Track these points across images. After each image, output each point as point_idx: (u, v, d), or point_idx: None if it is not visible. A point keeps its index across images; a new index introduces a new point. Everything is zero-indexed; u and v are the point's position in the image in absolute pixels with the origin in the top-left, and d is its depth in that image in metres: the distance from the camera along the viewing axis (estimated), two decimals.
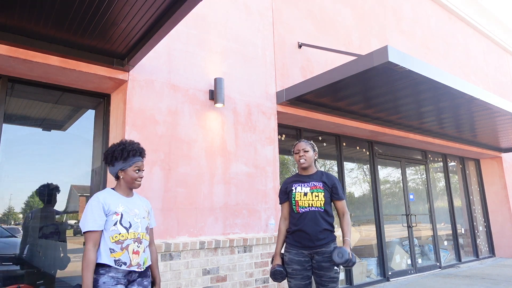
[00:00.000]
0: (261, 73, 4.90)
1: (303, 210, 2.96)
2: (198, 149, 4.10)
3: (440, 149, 8.25)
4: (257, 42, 4.96)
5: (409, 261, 7.05)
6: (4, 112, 3.50)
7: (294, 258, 2.93)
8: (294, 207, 3.00)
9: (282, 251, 3.11)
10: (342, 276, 5.74)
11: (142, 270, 2.35)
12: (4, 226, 3.50)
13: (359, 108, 5.44)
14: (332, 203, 3.09)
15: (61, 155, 3.79)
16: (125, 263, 2.25)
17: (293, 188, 3.04)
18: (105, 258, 2.23)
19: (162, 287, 3.50)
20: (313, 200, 2.96)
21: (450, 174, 8.89)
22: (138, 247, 2.33)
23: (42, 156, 3.68)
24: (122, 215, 2.31)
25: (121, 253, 2.26)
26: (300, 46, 5.48)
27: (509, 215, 9.19)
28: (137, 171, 2.42)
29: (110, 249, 2.24)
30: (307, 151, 3.08)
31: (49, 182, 3.68)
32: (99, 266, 2.22)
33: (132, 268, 2.28)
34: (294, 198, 3.00)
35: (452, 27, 9.10)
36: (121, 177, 2.42)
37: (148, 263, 2.43)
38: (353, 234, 6.17)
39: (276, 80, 5.06)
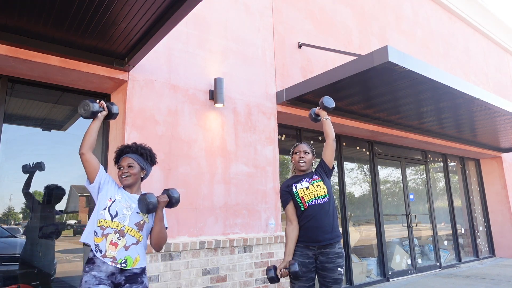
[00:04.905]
0: (261, 73, 4.90)
1: (311, 204, 2.95)
2: (198, 149, 4.10)
3: (440, 149, 8.25)
4: (257, 42, 4.95)
5: (409, 261, 7.05)
6: (4, 112, 3.50)
7: (299, 260, 2.91)
8: (301, 204, 2.98)
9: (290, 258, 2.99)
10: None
11: (122, 268, 2.22)
12: (4, 226, 3.50)
13: (359, 108, 5.44)
14: (327, 158, 3.08)
15: (61, 155, 3.80)
16: (100, 251, 2.23)
17: (293, 187, 3.04)
18: (89, 239, 2.29)
19: (162, 287, 3.51)
20: (316, 190, 2.97)
21: (450, 174, 8.89)
22: (119, 239, 2.25)
23: (42, 156, 3.67)
24: (114, 202, 2.32)
25: (101, 239, 2.25)
26: (300, 46, 5.48)
27: (509, 215, 9.19)
28: (120, 168, 2.43)
29: (94, 231, 2.29)
30: (308, 153, 3.09)
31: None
32: (87, 261, 2.27)
33: (105, 260, 2.20)
34: (298, 195, 2.99)
35: (452, 27, 9.09)
36: None
37: (139, 265, 2.30)
38: (353, 234, 6.18)
39: (276, 80, 5.06)
